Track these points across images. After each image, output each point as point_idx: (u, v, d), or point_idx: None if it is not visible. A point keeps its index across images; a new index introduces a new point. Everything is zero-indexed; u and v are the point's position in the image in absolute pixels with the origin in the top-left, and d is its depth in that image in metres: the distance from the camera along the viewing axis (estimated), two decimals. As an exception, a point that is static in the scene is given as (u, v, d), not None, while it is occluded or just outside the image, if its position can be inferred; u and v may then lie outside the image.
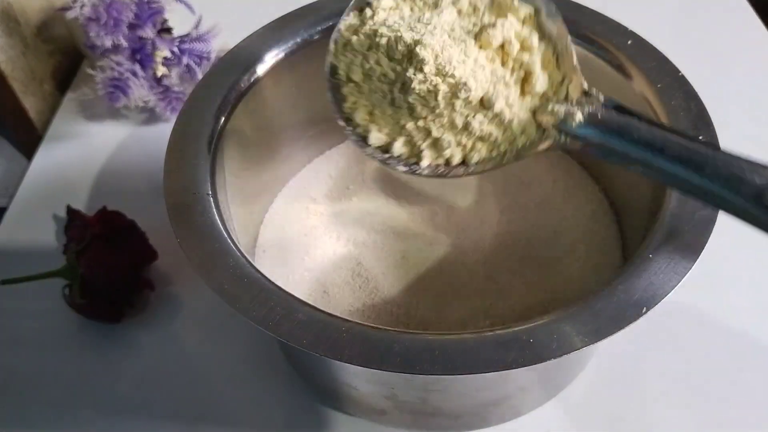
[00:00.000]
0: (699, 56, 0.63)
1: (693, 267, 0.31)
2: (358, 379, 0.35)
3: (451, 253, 0.44)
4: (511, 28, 0.32)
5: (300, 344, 0.30)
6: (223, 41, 0.61)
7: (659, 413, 0.42)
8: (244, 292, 0.32)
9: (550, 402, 0.41)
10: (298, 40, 0.44)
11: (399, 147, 0.34)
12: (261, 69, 0.43)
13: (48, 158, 0.60)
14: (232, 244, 0.34)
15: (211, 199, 0.36)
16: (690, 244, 0.32)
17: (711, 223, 0.32)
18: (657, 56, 0.41)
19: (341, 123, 0.36)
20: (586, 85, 0.33)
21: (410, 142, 0.34)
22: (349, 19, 0.35)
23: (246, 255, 0.34)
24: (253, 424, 0.43)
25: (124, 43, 0.57)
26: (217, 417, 0.43)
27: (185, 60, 0.60)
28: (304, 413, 0.43)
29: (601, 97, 0.33)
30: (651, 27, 0.43)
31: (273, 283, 0.32)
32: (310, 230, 0.48)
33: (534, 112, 0.33)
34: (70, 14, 0.56)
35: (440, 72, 0.31)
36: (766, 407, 0.42)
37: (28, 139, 0.64)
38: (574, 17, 0.43)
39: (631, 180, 0.44)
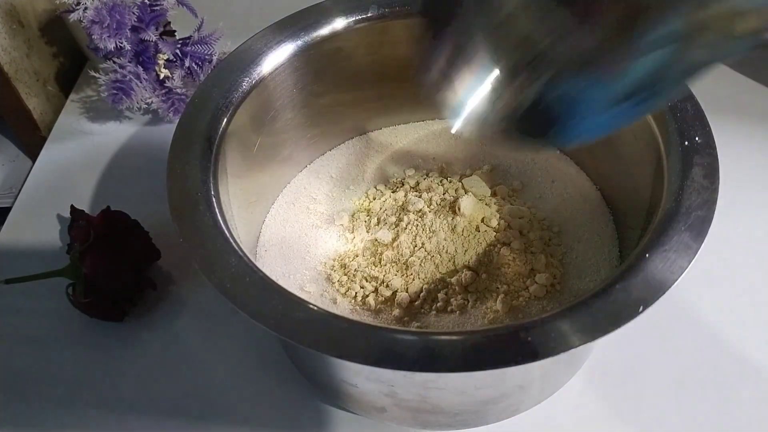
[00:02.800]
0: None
1: (689, 266, 0.31)
2: (359, 376, 0.35)
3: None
4: None
5: (301, 342, 0.30)
6: (225, 44, 0.61)
7: (656, 411, 0.42)
8: (246, 291, 0.32)
9: (548, 399, 0.41)
10: (299, 42, 0.45)
11: None
12: (262, 71, 0.43)
13: (52, 159, 0.61)
14: (234, 244, 0.34)
15: (214, 200, 0.37)
16: (687, 243, 0.32)
17: (707, 222, 0.33)
18: None
19: None
20: None
21: None
22: None
23: (248, 254, 0.34)
24: (255, 421, 0.43)
25: (127, 46, 0.58)
26: (218, 414, 0.43)
27: (187, 62, 0.60)
28: (305, 410, 0.43)
29: None
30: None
31: (274, 282, 0.33)
32: (311, 230, 0.48)
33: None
34: (73, 17, 0.56)
35: None
36: (762, 406, 0.42)
37: (31, 139, 0.65)
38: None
39: (628, 180, 0.44)
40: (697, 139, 0.37)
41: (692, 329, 0.46)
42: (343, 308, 0.44)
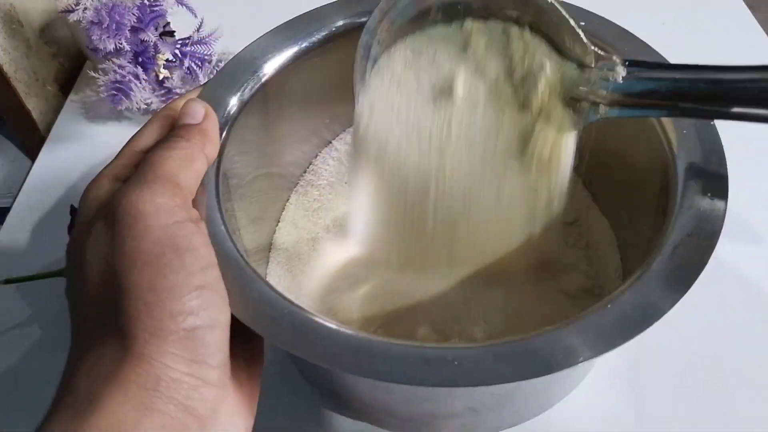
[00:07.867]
0: (699, 57, 0.63)
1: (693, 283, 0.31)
2: (369, 388, 0.35)
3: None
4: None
5: (312, 359, 0.29)
6: (224, 44, 0.61)
7: (657, 414, 0.43)
8: (251, 304, 0.31)
9: (552, 407, 0.42)
10: (301, 47, 0.44)
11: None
12: (263, 77, 0.42)
13: (51, 159, 0.60)
14: (237, 254, 0.34)
15: (217, 205, 0.36)
16: (691, 260, 0.32)
17: (713, 240, 0.32)
18: (656, 58, 0.40)
19: None
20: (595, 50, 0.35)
21: None
22: None
23: (252, 266, 0.34)
24: (258, 425, 0.43)
25: (127, 46, 0.57)
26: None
27: (187, 62, 0.60)
28: (310, 416, 0.43)
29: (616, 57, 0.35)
30: (652, 29, 0.43)
31: (280, 294, 0.32)
32: (318, 244, 0.48)
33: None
34: (73, 17, 0.56)
35: None
36: (763, 410, 0.43)
37: (31, 140, 0.65)
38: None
39: (631, 197, 0.43)
40: (705, 153, 0.36)
41: (694, 335, 0.46)
42: (351, 321, 0.43)
